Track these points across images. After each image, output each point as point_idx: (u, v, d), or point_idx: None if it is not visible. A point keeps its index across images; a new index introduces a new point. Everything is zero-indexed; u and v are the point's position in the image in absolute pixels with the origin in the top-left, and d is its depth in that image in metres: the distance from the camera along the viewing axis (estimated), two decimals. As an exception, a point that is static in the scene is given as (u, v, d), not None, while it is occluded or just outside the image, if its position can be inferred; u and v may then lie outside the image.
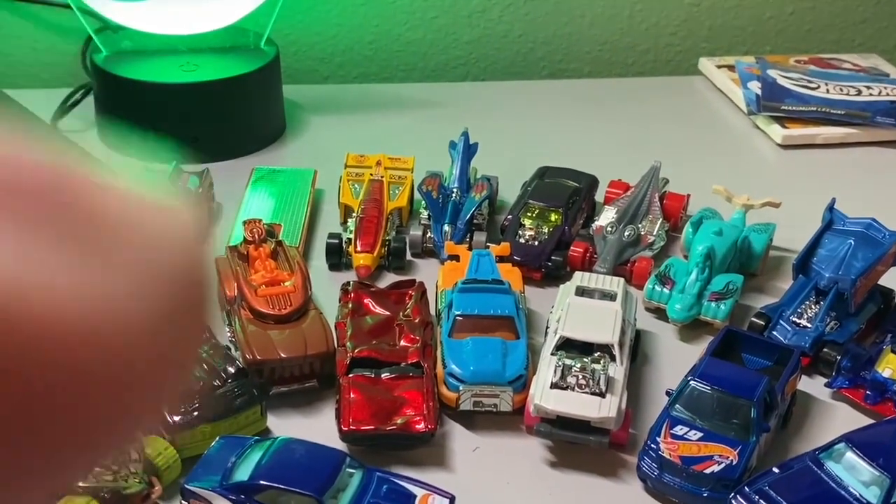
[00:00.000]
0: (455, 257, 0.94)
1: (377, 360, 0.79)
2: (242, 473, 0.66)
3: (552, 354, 0.77)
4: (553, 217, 0.99)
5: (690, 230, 0.99)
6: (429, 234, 0.99)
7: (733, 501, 0.68)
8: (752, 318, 0.89)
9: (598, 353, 0.77)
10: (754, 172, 1.20)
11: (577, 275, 0.88)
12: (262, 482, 0.64)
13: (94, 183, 0.20)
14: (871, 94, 1.30)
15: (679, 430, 0.73)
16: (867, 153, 1.24)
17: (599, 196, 1.06)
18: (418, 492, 0.67)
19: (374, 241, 0.95)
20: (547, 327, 0.85)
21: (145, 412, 0.21)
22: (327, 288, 0.92)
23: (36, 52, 1.36)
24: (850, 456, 0.69)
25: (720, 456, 0.71)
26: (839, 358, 0.84)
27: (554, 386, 0.74)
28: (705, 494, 0.70)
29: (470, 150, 1.06)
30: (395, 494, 0.67)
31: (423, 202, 1.01)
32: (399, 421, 0.75)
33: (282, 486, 0.64)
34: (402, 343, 0.81)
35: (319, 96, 1.34)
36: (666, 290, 0.91)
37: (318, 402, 0.80)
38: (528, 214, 1.00)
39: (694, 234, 0.97)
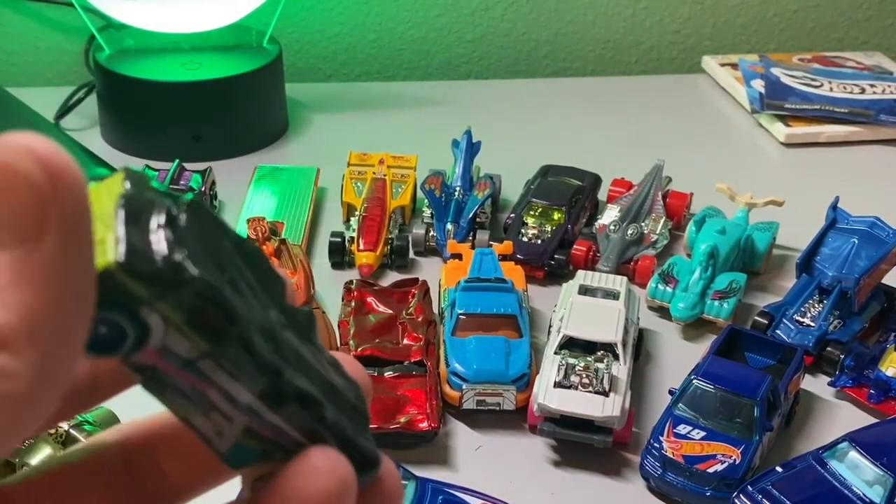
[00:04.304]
0: (458, 256, 0.94)
1: (380, 359, 0.79)
2: None
3: (555, 353, 0.77)
4: (556, 215, 0.99)
5: (693, 229, 0.99)
6: (431, 233, 0.99)
7: (736, 501, 0.68)
8: (756, 317, 0.89)
9: (602, 351, 0.77)
10: (758, 171, 1.20)
11: (580, 273, 0.88)
12: None
13: None
14: (874, 93, 1.30)
15: (682, 429, 0.73)
16: (871, 151, 1.24)
17: (602, 194, 1.06)
18: (475, 502, 0.67)
19: (376, 239, 0.95)
20: (550, 326, 0.85)
21: None
22: (330, 286, 0.92)
23: (39, 51, 1.36)
24: (854, 455, 0.69)
25: (723, 455, 0.71)
26: (842, 357, 0.83)
27: (557, 385, 0.74)
28: (708, 493, 0.70)
29: (473, 149, 1.06)
30: None
31: (426, 200, 1.01)
32: (402, 419, 0.75)
33: None
34: (405, 341, 0.81)
35: (322, 94, 1.34)
36: (669, 289, 0.91)
37: (321, 400, 0.80)
38: (531, 213, 1.00)
39: (697, 233, 0.97)
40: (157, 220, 0.22)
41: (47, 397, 0.22)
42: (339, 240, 0.96)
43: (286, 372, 0.24)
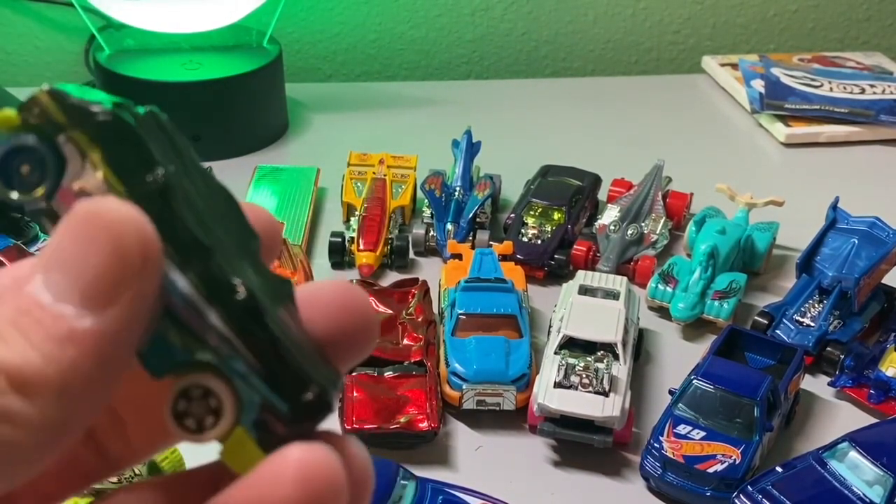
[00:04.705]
0: (458, 256, 0.94)
1: (380, 359, 0.79)
2: None
3: (555, 353, 0.77)
4: (556, 216, 0.99)
5: (693, 229, 0.99)
6: (431, 233, 0.99)
7: (736, 501, 0.68)
8: (756, 317, 0.89)
9: (602, 351, 0.77)
10: (758, 171, 1.20)
11: (580, 273, 0.88)
12: None
13: None
14: (874, 93, 1.30)
15: (682, 429, 0.73)
16: (871, 151, 1.24)
17: (602, 195, 1.06)
18: (475, 502, 0.67)
19: (376, 239, 0.95)
20: (550, 326, 0.85)
21: None
22: (330, 286, 0.92)
23: (39, 51, 1.36)
24: (854, 455, 0.69)
25: (723, 455, 0.71)
26: (842, 357, 0.83)
27: (557, 385, 0.74)
28: (708, 493, 0.70)
29: (473, 149, 1.06)
30: None
31: (426, 201, 1.01)
32: (402, 419, 0.74)
33: None
34: (406, 341, 0.81)
35: (322, 94, 1.34)
36: (669, 289, 0.91)
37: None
38: (531, 213, 1.00)
39: (697, 233, 0.97)
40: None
41: (47, 453, 0.21)
42: (339, 240, 0.96)
43: (217, 254, 0.23)
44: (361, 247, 0.95)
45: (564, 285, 0.88)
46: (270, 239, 0.27)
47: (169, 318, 0.23)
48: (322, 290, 0.26)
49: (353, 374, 0.77)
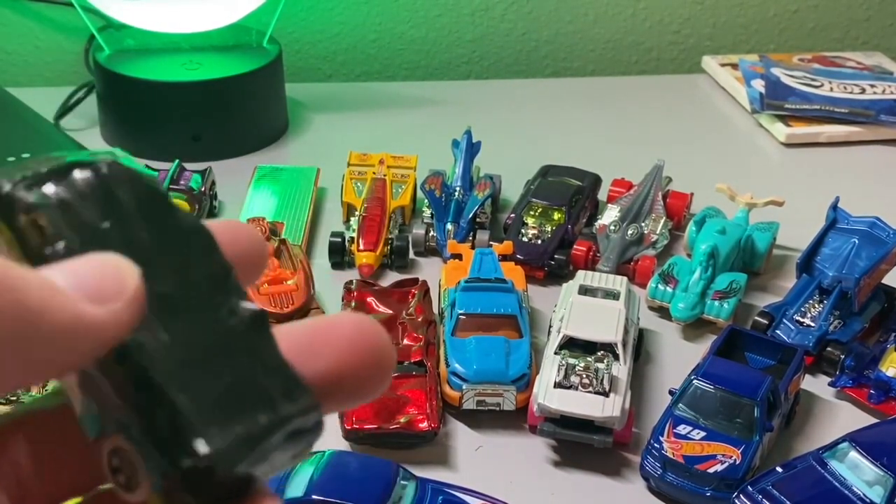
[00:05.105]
0: (458, 256, 0.93)
1: (380, 359, 0.78)
2: (296, 489, 0.63)
3: (555, 353, 0.77)
4: (556, 216, 0.99)
5: (694, 229, 0.99)
6: (431, 233, 0.99)
7: (736, 501, 0.68)
8: (756, 317, 0.89)
9: (602, 352, 0.77)
10: (758, 171, 1.20)
11: (580, 273, 0.88)
12: (317, 497, 0.63)
13: None
14: (874, 93, 1.30)
15: (682, 429, 0.73)
16: (871, 151, 1.24)
17: (602, 195, 1.06)
18: (475, 502, 0.67)
19: (376, 239, 0.95)
20: (550, 326, 0.85)
21: None
22: (330, 286, 0.92)
23: (38, 51, 1.36)
24: (854, 455, 0.69)
25: (723, 455, 0.71)
26: (843, 357, 0.83)
27: (557, 385, 0.74)
28: (708, 494, 0.70)
29: (473, 149, 1.06)
30: None
31: (426, 201, 1.01)
32: (402, 420, 0.75)
33: (338, 501, 0.63)
34: (405, 342, 0.81)
35: (322, 94, 1.34)
36: (669, 289, 0.91)
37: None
38: (531, 213, 1.00)
39: (697, 233, 0.97)
40: (20, 172, 0.23)
41: None
42: (339, 240, 0.96)
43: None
44: (361, 247, 0.95)
45: (564, 285, 0.88)
46: (256, 256, 0.26)
47: (83, 389, 0.23)
48: (337, 323, 0.26)
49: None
